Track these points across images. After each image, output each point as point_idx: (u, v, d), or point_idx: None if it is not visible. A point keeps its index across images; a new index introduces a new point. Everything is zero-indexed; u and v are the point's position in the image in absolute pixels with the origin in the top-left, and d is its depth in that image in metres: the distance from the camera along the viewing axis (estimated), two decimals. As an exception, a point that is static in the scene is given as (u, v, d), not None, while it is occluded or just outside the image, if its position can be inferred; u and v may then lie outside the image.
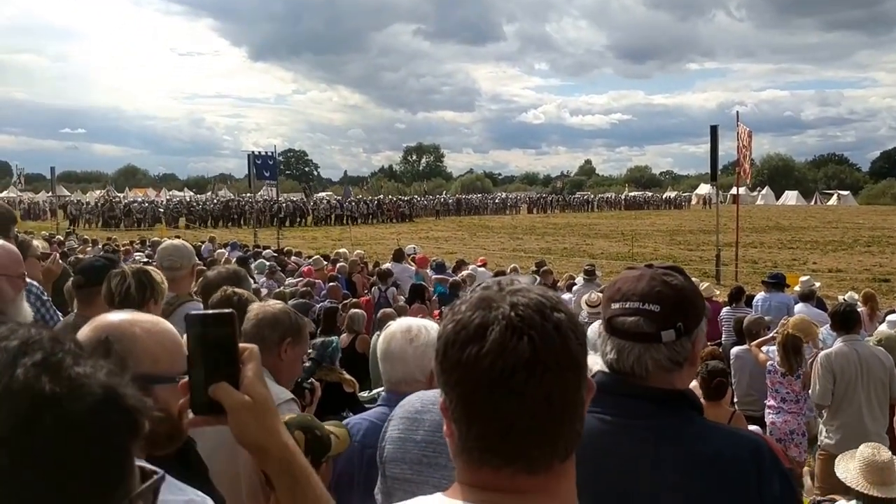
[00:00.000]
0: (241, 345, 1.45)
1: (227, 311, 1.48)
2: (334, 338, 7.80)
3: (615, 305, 1.98)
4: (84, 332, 1.82)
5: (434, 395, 2.51)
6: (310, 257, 18.50)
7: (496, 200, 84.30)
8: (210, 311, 1.48)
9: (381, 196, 75.40)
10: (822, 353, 7.18)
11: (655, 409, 1.93)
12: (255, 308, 3.10)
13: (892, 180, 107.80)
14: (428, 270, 16.91)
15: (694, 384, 6.18)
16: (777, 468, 1.88)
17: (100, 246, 20.04)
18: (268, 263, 16.34)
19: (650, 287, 1.96)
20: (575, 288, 14.07)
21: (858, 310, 10.56)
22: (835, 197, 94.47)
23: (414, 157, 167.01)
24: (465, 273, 15.76)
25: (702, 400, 5.81)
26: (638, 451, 1.88)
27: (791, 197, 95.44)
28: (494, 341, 1.18)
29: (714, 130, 22.65)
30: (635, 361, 1.92)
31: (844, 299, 11.19)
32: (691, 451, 1.89)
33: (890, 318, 9.57)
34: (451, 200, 78.98)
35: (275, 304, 3.33)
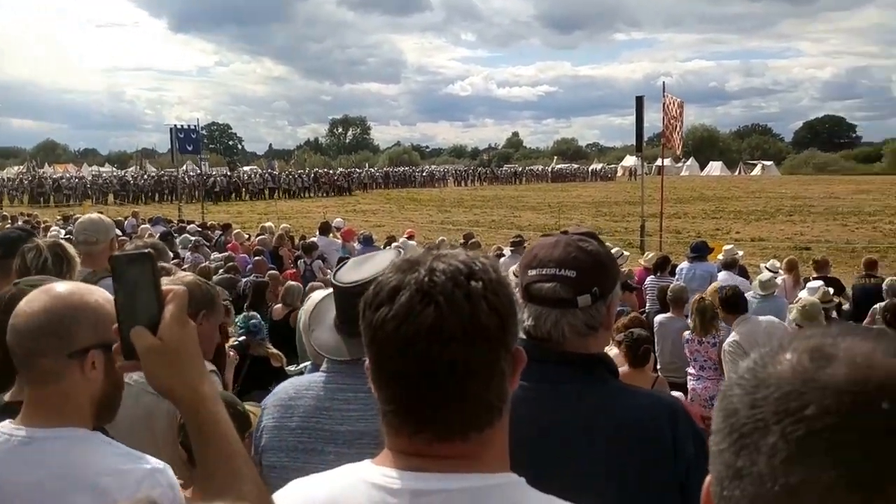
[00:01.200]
0: (166, 287, 1.45)
1: (144, 250, 1.47)
2: (254, 313, 7.71)
3: (532, 272, 2.01)
4: (41, 301, 1.78)
5: (308, 381, 2.49)
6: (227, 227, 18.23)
7: (424, 173, 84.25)
8: (127, 252, 1.46)
9: (318, 169, 74.31)
10: (725, 342, 7.28)
11: (573, 374, 1.96)
12: (164, 283, 3.01)
13: (814, 150, 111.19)
14: (355, 243, 16.76)
15: (616, 352, 6.27)
16: (692, 429, 1.93)
17: (20, 222, 19.47)
18: (192, 238, 16.15)
19: (566, 253, 1.99)
20: (502, 260, 14.08)
21: (780, 279, 10.91)
22: (758, 167, 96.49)
23: (340, 130, 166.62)
24: (392, 246, 15.65)
25: (627, 366, 5.92)
26: (557, 416, 1.92)
27: (715, 167, 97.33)
28: (402, 305, 1.18)
29: (639, 102, 22.80)
30: (552, 327, 1.95)
31: (766, 267, 11.51)
32: (608, 414, 1.93)
33: (811, 284, 9.80)
34: (378, 173, 78.49)
35: (184, 277, 3.28)
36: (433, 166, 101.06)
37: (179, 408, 1.45)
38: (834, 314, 9.23)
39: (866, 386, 0.75)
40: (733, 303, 7.39)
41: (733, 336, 7.20)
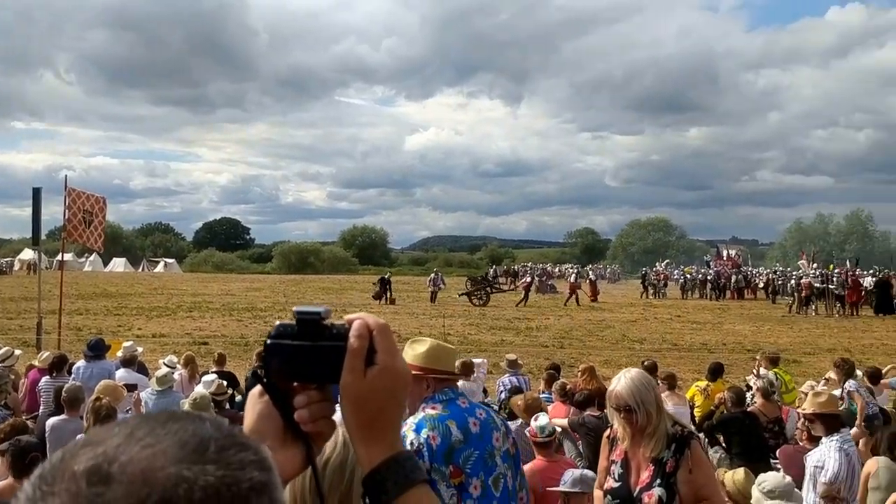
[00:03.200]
0: None
1: None
2: None
3: None
4: None
5: None
6: None
7: None
8: None
9: None
10: None
11: None
12: None
13: (213, 250, 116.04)
14: None
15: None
16: None
17: None
18: None
19: None
20: None
21: (177, 374, 11.27)
22: (161, 264, 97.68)
23: None
24: None
25: (11, 479, 5.57)
26: None
27: (119, 264, 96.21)
28: None
29: (37, 193, 21.86)
30: None
31: (164, 363, 11.84)
32: None
33: (206, 378, 10.25)
34: None
35: None
36: None
37: None
38: (227, 405, 9.76)
39: None
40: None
41: None
